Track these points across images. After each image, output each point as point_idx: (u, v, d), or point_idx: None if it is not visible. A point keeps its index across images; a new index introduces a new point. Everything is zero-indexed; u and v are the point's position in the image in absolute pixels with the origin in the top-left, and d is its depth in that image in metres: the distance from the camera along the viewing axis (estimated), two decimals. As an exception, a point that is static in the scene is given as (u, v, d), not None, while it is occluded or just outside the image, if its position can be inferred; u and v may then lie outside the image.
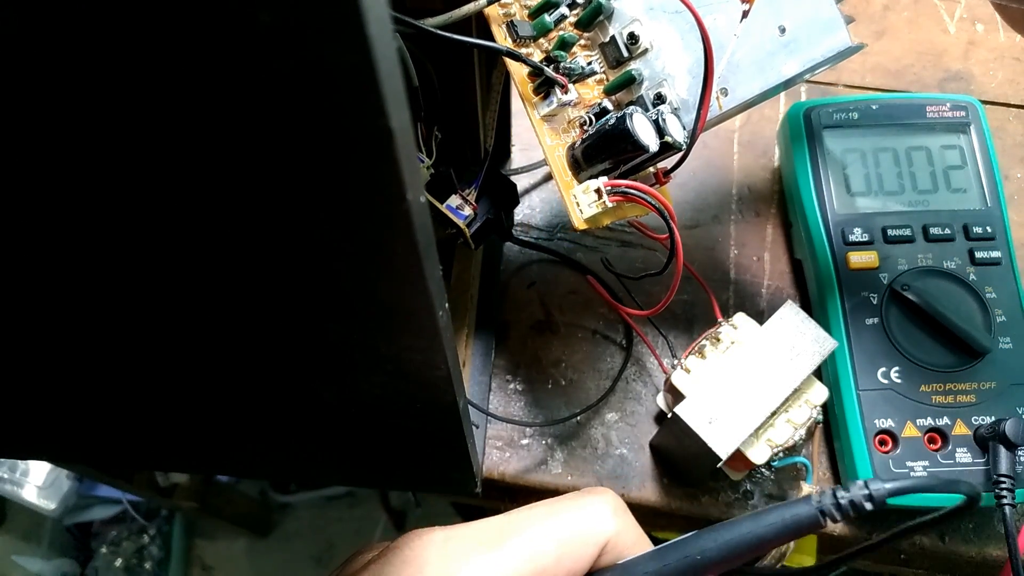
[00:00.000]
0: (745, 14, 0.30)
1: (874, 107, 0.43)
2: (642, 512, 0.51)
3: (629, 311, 0.37)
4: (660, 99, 0.32)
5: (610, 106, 0.31)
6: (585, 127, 0.31)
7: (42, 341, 0.26)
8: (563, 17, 0.30)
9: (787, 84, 0.30)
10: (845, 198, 0.42)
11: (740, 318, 0.38)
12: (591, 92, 0.33)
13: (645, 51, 0.32)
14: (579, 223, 0.30)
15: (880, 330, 0.39)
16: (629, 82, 0.32)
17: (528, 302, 0.46)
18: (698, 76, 0.29)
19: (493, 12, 0.30)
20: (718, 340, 0.37)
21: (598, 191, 0.28)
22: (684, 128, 0.30)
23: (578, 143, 0.30)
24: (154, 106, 0.15)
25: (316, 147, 0.15)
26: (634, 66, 0.32)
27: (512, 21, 0.30)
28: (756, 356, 0.36)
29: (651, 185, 0.32)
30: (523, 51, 0.31)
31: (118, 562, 1.07)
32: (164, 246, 0.19)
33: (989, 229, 0.40)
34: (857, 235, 0.41)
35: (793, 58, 0.30)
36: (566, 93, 0.30)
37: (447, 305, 0.21)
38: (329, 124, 0.14)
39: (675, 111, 0.31)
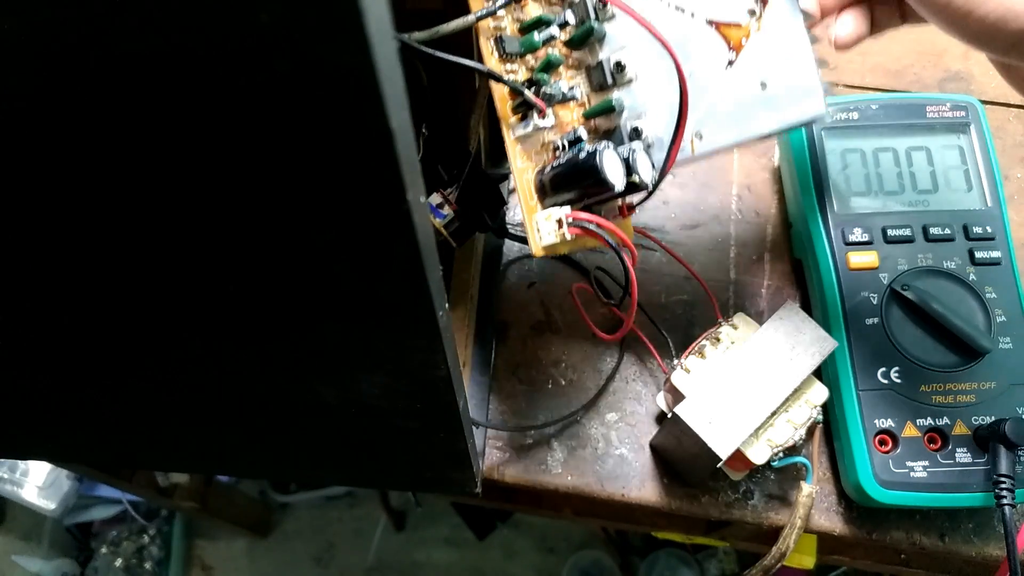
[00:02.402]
0: (731, 63, 0.30)
1: (874, 107, 0.43)
2: (642, 512, 0.51)
3: (600, 335, 0.37)
4: (636, 133, 0.32)
5: (585, 134, 0.31)
6: (558, 152, 0.31)
7: (43, 341, 0.26)
8: (552, 37, 0.30)
9: (759, 139, 0.31)
10: (845, 198, 0.42)
11: (740, 318, 0.38)
12: (570, 115, 0.32)
13: (630, 81, 0.32)
14: (537, 250, 0.30)
15: (880, 330, 0.39)
16: (609, 111, 0.32)
17: (528, 302, 0.46)
18: (676, 115, 0.29)
19: (484, 25, 0.30)
20: (718, 340, 0.37)
21: (559, 221, 0.28)
22: (653, 167, 0.30)
23: (547, 169, 0.30)
24: (155, 106, 0.15)
25: (316, 147, 0.15)
26: (616, 94, 0.32)
27: (501, 36, 0.30)
28: (756, 356, 0.36)
29: (614, 217, 0.32)
30: (508, 67, 0.30)
31: (118, 562, 1.07)
32: (165, 247, 0.19)
33: (989, 229, 0.40)
34: (857, 235, 0.41)
35: (769, 115, 0.30)
36: (543, 118, 0.29)
37: (447, 305, 0.21)
38: (329, 124, 0.14)
39: (648, 147, 0.31)
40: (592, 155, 0.28)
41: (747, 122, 0.30)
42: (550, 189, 0.30)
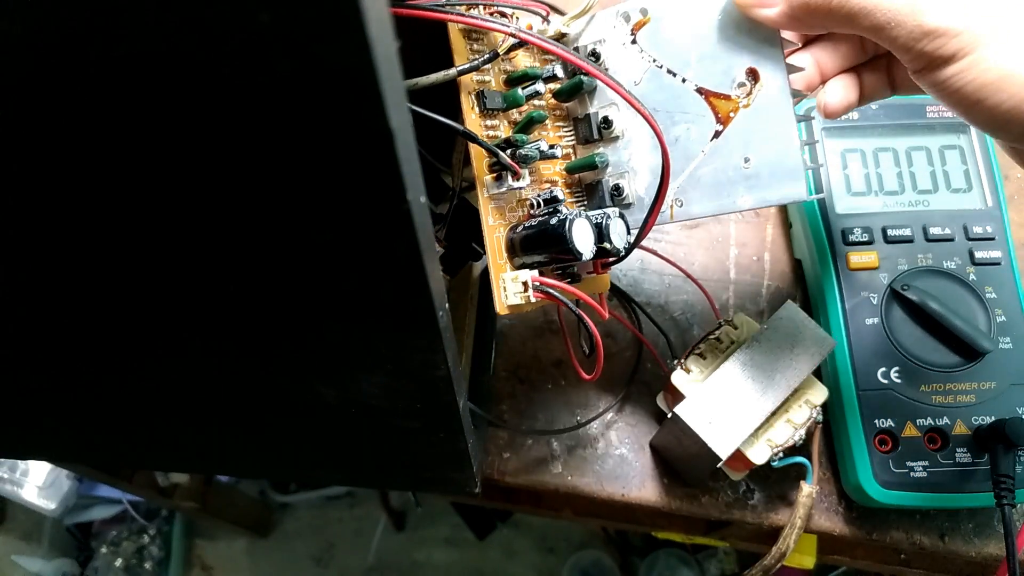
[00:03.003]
0: (717, 134, 0.30)
1: (874, 107, 0.43)
2: (642, 512, 0.51)
3: (581, 373, 0.37)
4: (618, 190, 0.32)
5: (561, 195, 0.30)
6: (532, 210, 0.31)
7: (44, 341, 0.25)
8: (537, 93, 0.30)
9: (739, 211, 0.31)
10: (845, 198, 0.42)
11: (740, 318, 0.38)
12: (553, 167, 0.32)
13: (616, 138, 0.32)
14: (501, 308, 0.30)
15: (880, 330, 0.39)
16: (591, 167, 0.32)
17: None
18: (658, 179, 0.29)
19: (466, 80, 0.29)
20: (718, 340, 0.37)
21: (525, 284, 0.28)
22: (629, 232, 0.30)
23: (520, 228, 0.30)
24: (156, 107, 0.15)
25: (316, 147, 0.15)
26: (601, 150, 0.32)
27: (482, 91, 0.30)
28: (756, 356, 0.36)
29: (588, 274, 0.33)
30: (488, 123, 0.30)
31: (118, 562, 1.07)
32: (166, 247, 0.19)
33: (989, 229, 0.40)
34: (857, 235, 0.41)
35: (750, 193, 0.30)
36: (518, 180, 0.29)
37: (447, 305, 0.21)
38: (329, 124, 0.14)
39: (628, 206, 0.32)
40: (562, 224, 0.28)
41: (727, 196, 0.30)
42: (520, 249, 0.30)
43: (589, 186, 0.33)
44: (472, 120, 0.30)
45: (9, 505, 1.08)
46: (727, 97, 0.30)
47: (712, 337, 0.37)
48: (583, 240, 0.28)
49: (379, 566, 1.11)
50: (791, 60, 0.30)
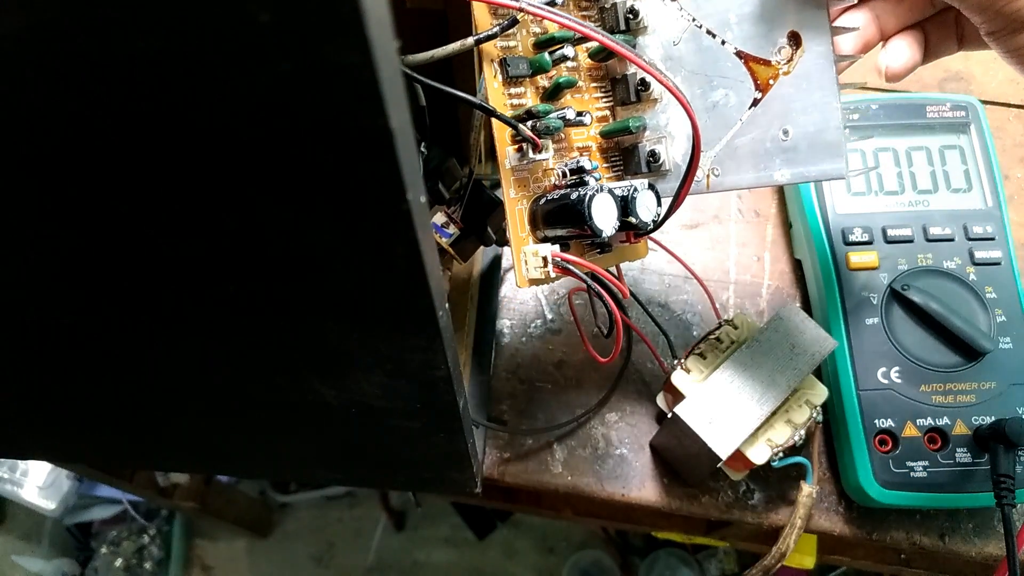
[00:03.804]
0: (756, 102, 0.29)
1: (874, 107, 0.43)
2: (642, 512, 0.51)
3: (596, 356, 0.36)
4: (654, 156, 0.30)
5: (588, 164, 0.29)
6: (559, 180, 0.29)
7: (44, 341, 0.25)
8: (565, 58, 0.28)
9: (775, 185, 0.30)
10: (845, 198, 0.42)
11: (740, 318, 0.38)
12: (585, 134, 0.31)
13: (655, 100, 0.30)
14: (522, 282, 0.28)
15: (880, 330, 0.39)
16: (626, 131, 0.30)
17: (528, 302, 0.46)
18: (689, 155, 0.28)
19: (489, 48, 0.28)
20: (718, 340, 0.37)
21: (545, 259, 0.27)
22: (659, 204, 0.28)
23: (542, 200, 0.29)
24: (155, 107, 0.15)
25: (317, 147, 0.15)
26: (639, 114, 0.30)
27: (505, 59, 0.28)
28: (756, 356, 0.36)
29: (622, 242, 0.31)
30: (513, 91, 0.29)
31: (118, 562, 1.07)
32: (165, 247, 0.19)
33: (989, 229, 0.40)
34: (857, 235, 0.41)
35: (788, 167, 0.29)
36: (539, 152, 0.28)
37: (447, 305, 0.21)
38: (329, 124, 0.14)
39: (663, 174, 0.30)
40: (581, 200, 0.27)
41: (765, 168, 0.29)
42: (542, 223, 0.29)
43: (626, 151, 0.31)
44: (495, 89, 0.28)
45: (9, 505, 1.08)
46: (767, 63, 0.28)
47: (712, 337, 0.37)
48: (604, 217, 0.27)
49: (379, 566, 1.11)
50: (844, 19, 0.28)
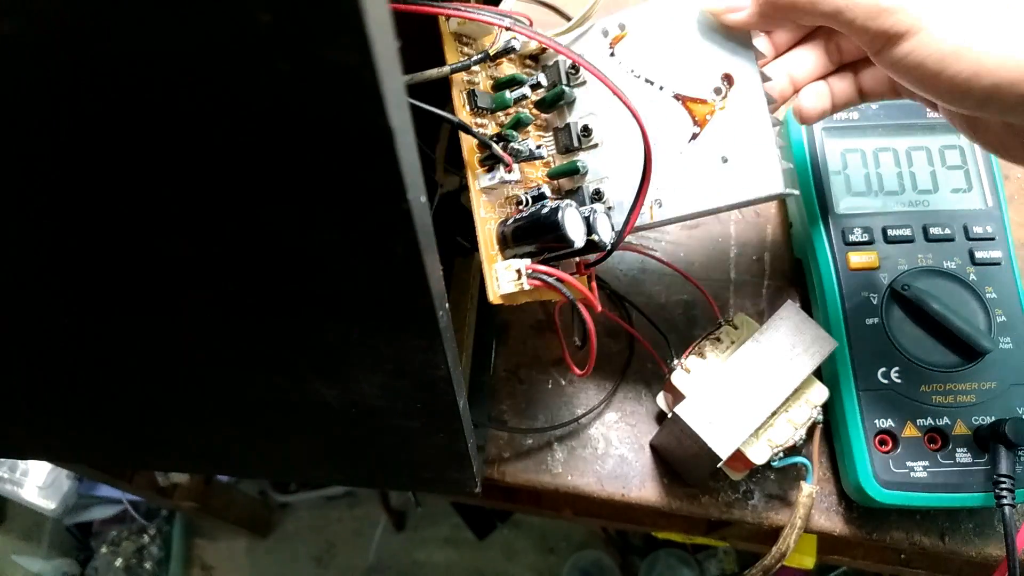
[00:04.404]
0: (695, 136, 0.31)
1: (874, 107, 0.43)
2: (642, 512, 0.51)
3: (573, 368, 0.38)
4: (598, 195, 0.33)
5: (549, 192, 0.32)
6: (521, 206, 0.32)
7: (44, 341, 0.25)
8: (524, 96, 0.31)
9: (718, 211, 0.32)
10: (845, 198, 0.42)
11: (740, 318, 0.38)
12: (535, 172, 0.33)
13: (595, 145, 0.33)
14: (494, 297, 0.30)
15: (880, 330, 0.39)
16: (572, 172, 0.33)
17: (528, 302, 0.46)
18: (639, 181, 0.30)
19: (457, 78, 0.30)
20: (718, 340, 0.37)
21: (519, 272, 0.29)
22: (613, 229, 0.31)
23: (510, 221, 0.31)
24: (155, 107, 0.15)
25: (317, 147, 0.15)
26: (581, 157, 0.33)
27: (473, 91, 0.31)
28: (756, 356, 0.36)
29: (571, 274, 0.33)
30: (478, 120, 0.31)
31: (118, 562, 1.07)
32: (165, 247, 0.19)
33: (989, 229, 0.40)
34: (857, 235, 0.41)
35: (728, 190, 0.31)
36: (510, 172, 0.30)
37: (447, 305, 0.21)
38: (329, 124, 0.14)
39: (609, 210, 0.33)
40: (555, 211, 0.28)
41: (706, 195, 0.31)
42: (511, 241, 0.30)
43: (570, 192, 0.34)
44: (464, 116, 0.30)
45: (9, 505, 1.08)
46: (703, 101, 0.31)
47: (712, 337, 0.37)
48: (575, 228, 0.29)
49: (379, 566, 1.11)
50: (765, 69, 0.31)
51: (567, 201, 0.29)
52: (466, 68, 0.30)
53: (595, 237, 0.30)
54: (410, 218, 0.16)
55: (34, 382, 0.29)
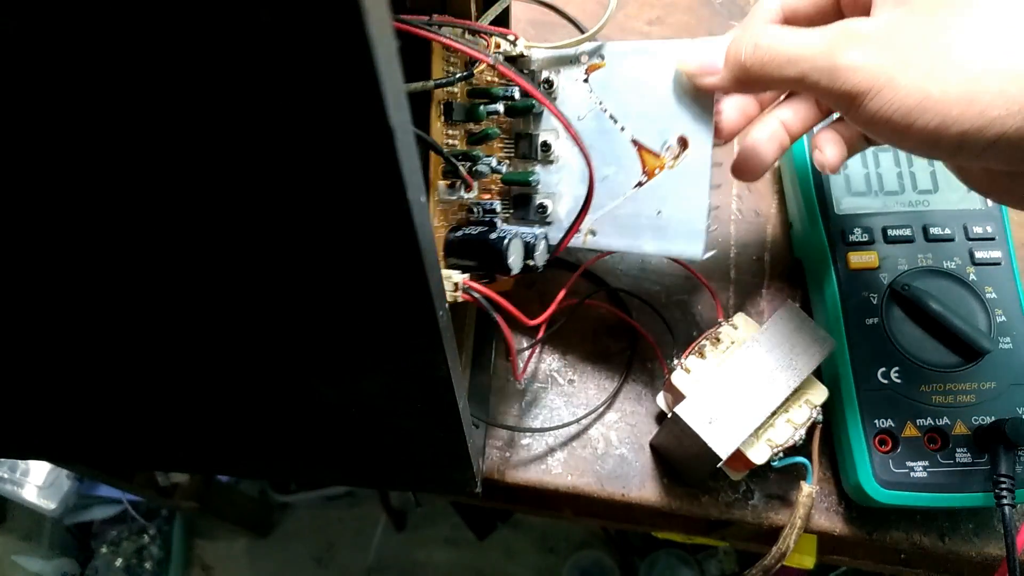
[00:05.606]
0: (640, 184, 0.33)
1: (874, 107, 0.43)
2: (642, 512, 0.51)
3: (521, 319, 0.39)
4: (543, 208, 0.35)
5: (499, 207, 0.35)
6: (471, 216, 0.34)
7: (44, 341, 0.26)
8: (496, 112, 0.33)
9: (642, 254, 0.34)
10: (845, 198, 0.42)
11: (740, 318, 0.38)
12: (492, 185, 0.36)
13: (551, 161, 0.35)
14: None
15: (880, 330, 0.39)
16: (525, 183, 0.35)
17: (528, 302, 0.46)
18: (579, 206, 0.33)
19: (436, 91, 0.31)
20: (718, 340, 0.37)
21: (456, 284, 0.30)
22: (549, 251, 0.34)
23: (459, 232, 0.33)
24: (155, 107, 0.15)
25: (316, 147, 0.15)
26: (537, 168, 0.36)
27: (451, 102, 0.32)
28: (756, 356, 0.36)
29: (500, 277, 0.35)
30: (449, 131, 0.33)
31: (118, 562, 1.07)
32: (166, 247, 0.19)
33: (989, 229, 0.40)
34: (857, 235, 0.41)
35: (655, 240, 0.33)
36: (469, 192, 0.32)
37: (447, 305, 0.21)
38: (329, 123, 0.14)
39: (547, 224, 0.36)
40: (500, 241, 0.31)
41: (635, 238, 0.34)
42: (455, 252, 0.32)
43: (517, 197, 0.36)
44: (437, 128, 0.32)
45: (9, 505, 1.08)
46: (656, 155, 0.33)
47: (712, 337, 0.37)
48: (516, 258, 0.32)
49: (379, 566, 1.11)
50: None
51: (512, 230, 0.32)
52: (450, 84, 0.31)
53: (531, 262, 0.32)
54: (410, 218, 0.16)
55: (35, 382, 0.29)
